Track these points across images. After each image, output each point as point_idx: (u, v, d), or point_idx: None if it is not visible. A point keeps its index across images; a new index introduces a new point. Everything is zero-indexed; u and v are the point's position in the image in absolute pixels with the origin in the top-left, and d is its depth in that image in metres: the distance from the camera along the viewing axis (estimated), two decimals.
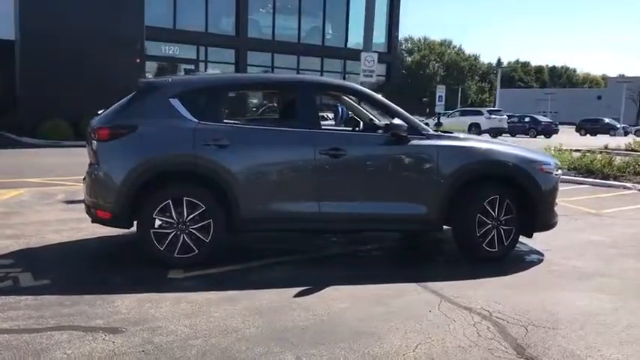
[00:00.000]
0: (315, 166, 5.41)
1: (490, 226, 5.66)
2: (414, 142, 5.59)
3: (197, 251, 5.24)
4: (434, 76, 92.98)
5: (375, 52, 14.31)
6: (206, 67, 28.21)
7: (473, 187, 5.65)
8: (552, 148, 13.73)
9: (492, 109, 40.57)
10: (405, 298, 4.64)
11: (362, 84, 15.04)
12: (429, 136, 5.68)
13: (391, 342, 3.76)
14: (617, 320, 4.27)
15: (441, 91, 22.61)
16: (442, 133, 6.04)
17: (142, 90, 5.47)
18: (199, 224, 5.24)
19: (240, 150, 5.34)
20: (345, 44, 33.77)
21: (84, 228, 6.48)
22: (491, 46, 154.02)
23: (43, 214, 7.62)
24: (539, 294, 4.84)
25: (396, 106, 5.84)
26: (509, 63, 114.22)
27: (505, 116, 37.19)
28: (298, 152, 5.45)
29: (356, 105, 6.84)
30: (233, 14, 29.23)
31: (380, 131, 5.85)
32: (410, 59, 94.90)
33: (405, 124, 5.50)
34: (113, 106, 5.52)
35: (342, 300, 4.53)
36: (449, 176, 5.56)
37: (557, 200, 6.08)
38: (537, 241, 6.56)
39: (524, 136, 38.26)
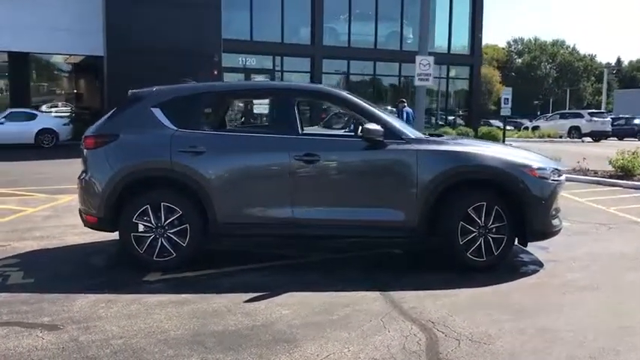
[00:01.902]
0: (290, 172, 5.40)
1: (476, 234, 5.36)
2: (392, 146, 5.42)
3: (175, 254, 5.41)
4: (546, 78, 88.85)
5: (431, 54, 13.97)
6: (282, 77, 28.75)
7: (456, 193, 5.38)
8: (626, 152, 12.65)
9: (594, 111, 38.09)
10: (355, 306, 4.51)
11: (417, 88, 14.81)
12: (409, 141, 5.47)
13: (304, 350, 3.69)
14: (561, 338, 3.91)
15: (507, 93, 21.45)
16: (425, 138, 5.78)
17: (128, 100, 5.74)
18: (177, 228, 5.42)
19: (216, 156, 5.45)
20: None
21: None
22: (609, 44, 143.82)
23: (78, 218, 8.12)
24: (505, 308, 4.52)
25: (374, 109, 5.69)
26: (630, 62, 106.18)
27: (609, 119, 34.83)
28: (273, 158, 5.48)
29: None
30: (308, 23, 29.46)
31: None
32: (520, 61, 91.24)
33: (381, 129, 5.36)
34: (104, 116, 5.84)
35: (289, 306, 4.49)
36: (429, 182, 5.34)
37: (555, 206, 5.62)
38: (550, 250, 6.16)
39: (632, 139, 35.43)
